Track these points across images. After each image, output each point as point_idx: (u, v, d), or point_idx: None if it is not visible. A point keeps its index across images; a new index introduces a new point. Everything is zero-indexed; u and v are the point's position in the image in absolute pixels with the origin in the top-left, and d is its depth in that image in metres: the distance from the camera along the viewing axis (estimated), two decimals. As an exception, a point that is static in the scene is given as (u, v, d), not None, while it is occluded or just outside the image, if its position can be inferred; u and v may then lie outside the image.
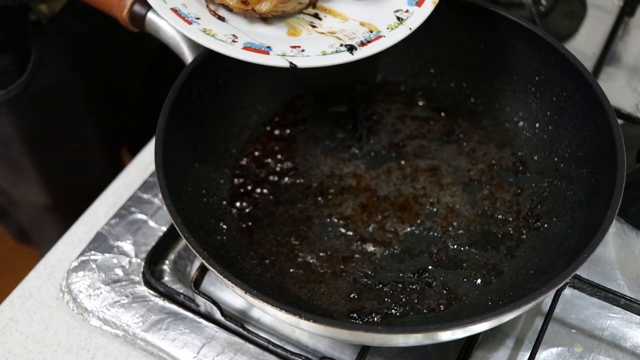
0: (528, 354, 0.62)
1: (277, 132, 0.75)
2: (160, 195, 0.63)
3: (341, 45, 0.61)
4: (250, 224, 0.69)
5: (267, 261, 0.66)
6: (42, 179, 0.97)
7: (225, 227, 0.68)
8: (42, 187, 0.98)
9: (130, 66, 1.00)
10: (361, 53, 0.60)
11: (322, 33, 0.63)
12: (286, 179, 0.72)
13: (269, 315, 0.62)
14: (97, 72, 0.93)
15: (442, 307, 0.63)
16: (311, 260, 0.66)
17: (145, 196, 0.74)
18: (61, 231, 1.01)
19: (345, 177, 0.72)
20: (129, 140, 1.19)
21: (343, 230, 0.68)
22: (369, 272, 0.65)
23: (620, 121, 0.74)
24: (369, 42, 0.61)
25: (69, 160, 0.98)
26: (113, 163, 1.08)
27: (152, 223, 0.73)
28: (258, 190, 0.71)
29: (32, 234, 1.16)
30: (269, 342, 0.63)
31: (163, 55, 0.78)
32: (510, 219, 0.68)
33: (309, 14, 0.66)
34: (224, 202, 0.70)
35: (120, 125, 1.07)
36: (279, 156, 0.74)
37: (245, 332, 0.64)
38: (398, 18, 0.63)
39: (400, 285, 0.64)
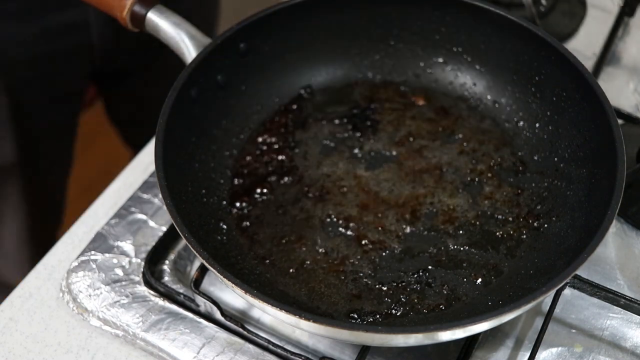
0: (528, 354, 0.62)
1: (277, 132, 0.75)
2: (160, 195, 0.63)
3: None
4: (250, 224, 0.69)
5: (267, 261, 0.66)
6: None
7: (225, 227, 0.68)
8: None
9: (77, 44, 0.96)
10: None
11: None
12: (286, 179, 0.72)
13: (269, 315, 0.62)
14: (38, 34, 0.91)
15: (442, 307, 0.63)
16: (311, 261, 0.66)
17: (145, 196, 0.74)
18: (17, 193, 1.00)
19: (345, 177, 0.72)
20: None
21: (343, 230, 0.68)
22: (369, 272, 0.65)
23: (620, 121, 0.74)
24: None
25: None
26: (63, 138, 1.06)
27: (152, 223, 0.73)
28: (258, 190, 0.71)
29: None
30: (269, 342, 0.63)
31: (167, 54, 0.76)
32: (510, 219, 0.68)
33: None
34: (224, 202, 0.70)
35: (65, 96, 1.03)
36: (279, 156, 0.74)
37: (245, 332, 0.64)
38: None
39: (400, 285, 0.64)
